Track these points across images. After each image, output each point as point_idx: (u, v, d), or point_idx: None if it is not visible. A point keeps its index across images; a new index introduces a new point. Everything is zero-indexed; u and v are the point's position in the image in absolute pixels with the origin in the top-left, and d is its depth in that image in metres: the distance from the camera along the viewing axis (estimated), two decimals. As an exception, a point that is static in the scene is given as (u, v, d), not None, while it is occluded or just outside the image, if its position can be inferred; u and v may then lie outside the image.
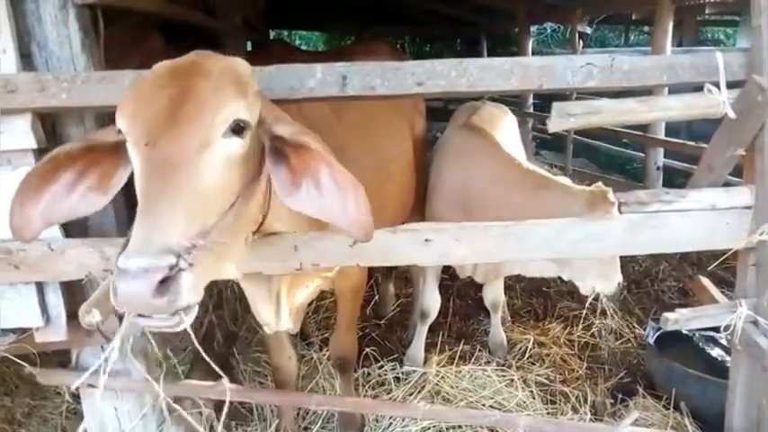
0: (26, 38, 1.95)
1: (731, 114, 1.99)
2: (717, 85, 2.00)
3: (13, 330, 2.04)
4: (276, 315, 2.27)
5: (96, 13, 2.12)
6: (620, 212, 2.12)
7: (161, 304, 1.24)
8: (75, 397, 2.57)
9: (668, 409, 2.86)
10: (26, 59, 1.95)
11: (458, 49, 13.47)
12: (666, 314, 2.27)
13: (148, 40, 3.01)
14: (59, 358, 2.32)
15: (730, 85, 2.00)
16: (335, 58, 2.03)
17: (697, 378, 2.83)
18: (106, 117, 1.94)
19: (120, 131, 1.49)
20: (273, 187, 1.67)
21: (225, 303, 3.02)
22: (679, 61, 2.04)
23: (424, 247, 2.05)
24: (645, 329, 3.77)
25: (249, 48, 6.77)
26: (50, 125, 2.04)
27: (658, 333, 3.30)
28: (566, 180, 2.83)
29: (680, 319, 2.26)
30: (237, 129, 1.50)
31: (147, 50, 2.89)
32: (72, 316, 2.09)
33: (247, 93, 1.56)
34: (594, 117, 2.12)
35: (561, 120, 2.10)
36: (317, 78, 1.95)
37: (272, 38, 9.77)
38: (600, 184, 2.50)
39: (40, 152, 1.94)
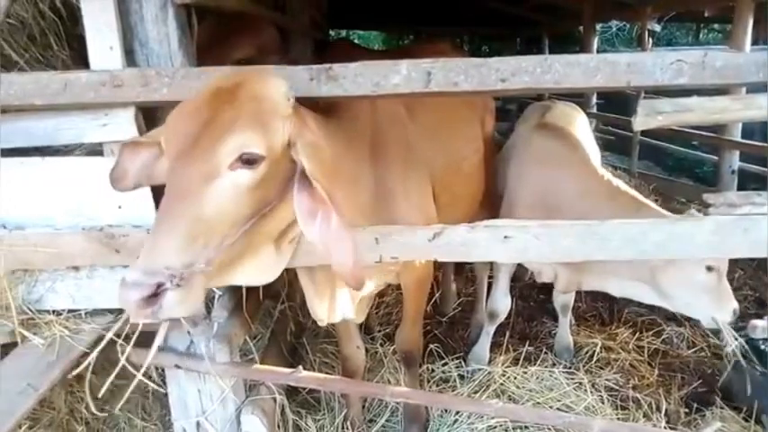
0: (129, 35, 2.07)
1: (834, 113, 1.90)
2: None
3: (111, 311, 2.17)
4: (330, 308, 2.30)
5: (190, 12, 2.23)
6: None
7: (145, 313, 1.46)
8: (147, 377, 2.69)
9: (748, 421, 2.75)
10: (128, 56, 2.07)
11: (517, 49, 13.26)
12: (754, 321, 2.19)
13: (262, 34, 3.08)
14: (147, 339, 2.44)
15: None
16: (400, 56, 2.04)
17: (781, 390, 2.71)
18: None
19: None
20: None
21: (297, 294, 3.09)
22: (777, 57, 1.95)
23: (504, 244, 2.04)
24: (719, 339, 3.63)
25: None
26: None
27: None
28: (656, 207, 2.73)
29: (769, 328, 2.18)
30: (248, 160, 1.56)
31: (259, 44, 2.97)
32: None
33: (267, 122, 1.60)
34: (684, 115, 2.05)
35: (648, 118, 2.04)
36: (402, 75, 1.98)
37: (331, 38, 9.90)
38: (692, 210, 2.42)
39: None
